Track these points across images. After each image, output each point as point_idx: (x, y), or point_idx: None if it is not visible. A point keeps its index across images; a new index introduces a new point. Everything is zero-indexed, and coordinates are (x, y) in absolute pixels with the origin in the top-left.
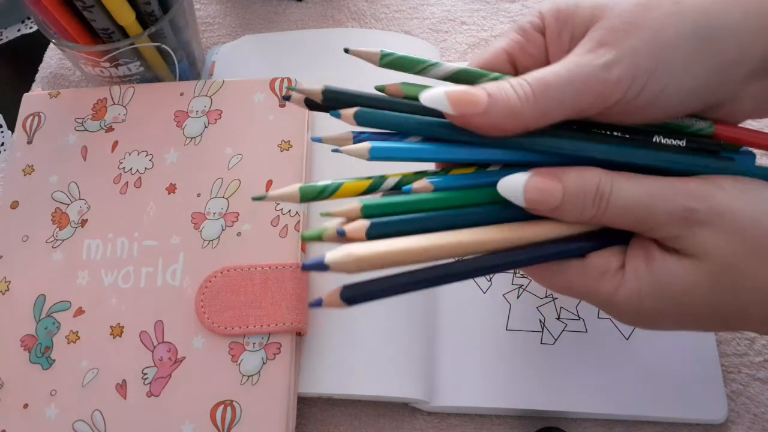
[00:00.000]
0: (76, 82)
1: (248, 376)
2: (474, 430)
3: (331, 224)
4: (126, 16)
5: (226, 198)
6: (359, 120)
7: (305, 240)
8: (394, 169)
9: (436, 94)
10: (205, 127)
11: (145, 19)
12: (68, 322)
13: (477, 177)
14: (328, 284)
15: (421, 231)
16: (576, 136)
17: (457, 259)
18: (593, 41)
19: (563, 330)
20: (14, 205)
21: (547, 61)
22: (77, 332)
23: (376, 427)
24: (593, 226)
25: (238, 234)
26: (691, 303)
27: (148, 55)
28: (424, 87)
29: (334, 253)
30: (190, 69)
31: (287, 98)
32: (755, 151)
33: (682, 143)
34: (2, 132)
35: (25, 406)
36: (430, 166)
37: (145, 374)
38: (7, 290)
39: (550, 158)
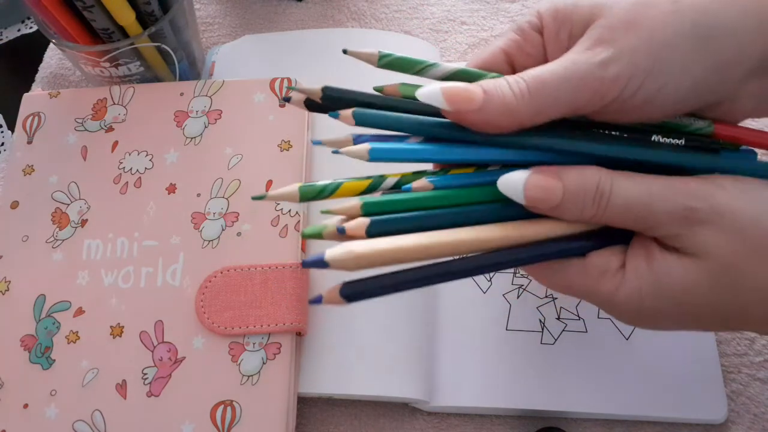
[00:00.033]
0: (76, 82)
1: (248, 376)
2: (474, 430)
3: (332, 222)
4: (126, 16)
5: (226, 198)
6: (357, 120)
7: (305, 237)
8: (393, 169)
9: (432, 90)
10: (205, 127)
11: (145, 19)
12: (68, 322)
13: (476, 176)
14: (328, 284)
15: (421, 229)
16: (574, 134)
17: (457, 257)
18: (591, 39)
19: (563, 330)
20: (14, 205)
21: (545, 61)
22: (77, 332)
23: (376, 427)
24: (594, 225)
25: (238, 234)
26: (691, 302)
27: (148, 55)
28: (422, 87)
29: (333, 251)
30: (190, 69)
31: (287, 99)
32: (755, 150)
33: (681, 142)
34: (2, 132)
35: (25, 406)
36: (429, 166)
37: (145, 374)
38: (7, 290)
39: (549, 157)
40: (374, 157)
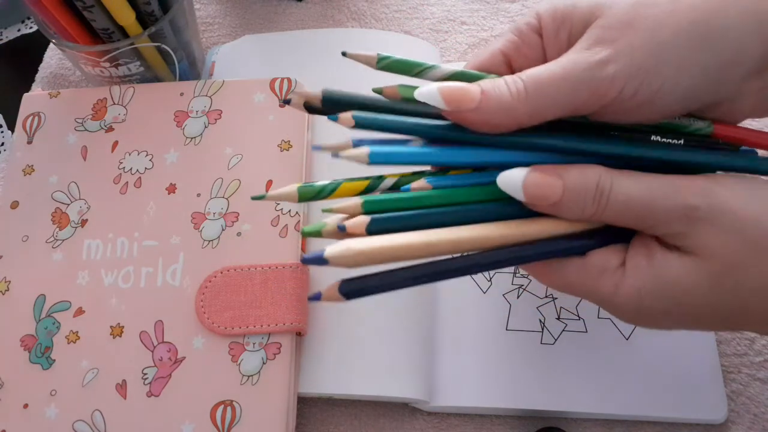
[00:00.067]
0: (76, 82)
1: (248, 376)
2: (474, 430)
3: (331, 220)
4: (126, 16)
5: (226, 198)
6: (357, 123)
7: (305, 235)
8: (392, 170)
9: (429, 90)
10: (205, 127)
11: (145, 19)
12: (68, 322)
13: (476, 177)
14: (328, 284)
15: (422, 227)
16: (574, 134)
17: (456, 255)
18: (590, 39)
19: (563, 330)
20: (14, 205)
21: (543, 62)
22: (77, 332)
23: (376, 427)
24: (594, 224)
25: (238, 234)
26: (691, 302)
27: (148, 55)
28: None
29: (333, 248)
30: (190, 69)
31: (287, 102)
32: (756, 150)
33: (680, 143)
34: (2, 132)
35: (25, 406)
36: (428, 167)
37: (145, 374)
38: (7, 290)
39: (549, 159)
40: (374, 160)
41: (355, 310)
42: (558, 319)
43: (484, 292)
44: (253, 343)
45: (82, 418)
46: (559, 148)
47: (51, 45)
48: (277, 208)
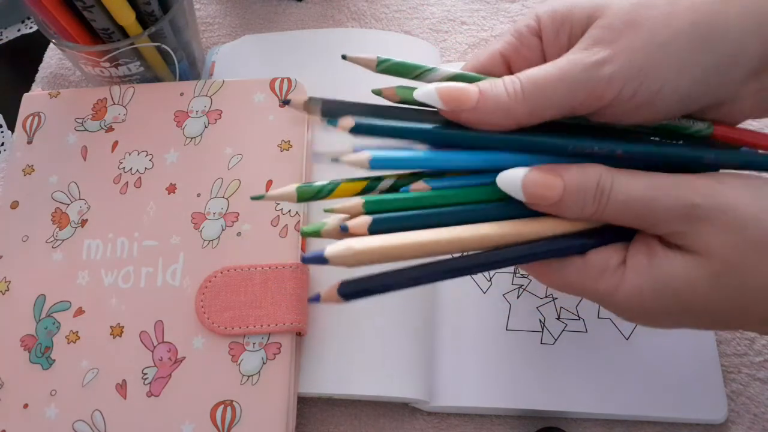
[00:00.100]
0: (76, 82)
1: (248, 376)
2: (474, 430)
3: (330, 220)
4: (126, 16)
5: (226, 198)
6: (356, 129)
7: (304, 235)
8: (390, 170)
9: (427, 90)
10: (205, 127)
11: (145, 19)
12: (68, 322)
13: (474, 178)
14: (328, 284)
15: (423, 228)
16: (576, 134)
17: (455, 255)
18: (589, 40)
19: (563, 330)
20: (14, 205)
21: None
22: (77, 332)
23: (376, 427)
24: (594, 224)
25: (238, 234)
26: (692, 301)
27: (148, 55)
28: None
29: (333, 247)
30: (190, 69)
31: (287, 102)
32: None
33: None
34: (2, 132)
35: (25, 406)
36: None
37: (145, 374)
38: (7, 290)
39: (549, 159)
40: (375, 166)
41: (356, 310)
42: (558, 319)
43: (484, 292)
44: (253, 343)
45: (82, 418)
46: (559, 147)
47: (51, 45)
48: (277, 208)
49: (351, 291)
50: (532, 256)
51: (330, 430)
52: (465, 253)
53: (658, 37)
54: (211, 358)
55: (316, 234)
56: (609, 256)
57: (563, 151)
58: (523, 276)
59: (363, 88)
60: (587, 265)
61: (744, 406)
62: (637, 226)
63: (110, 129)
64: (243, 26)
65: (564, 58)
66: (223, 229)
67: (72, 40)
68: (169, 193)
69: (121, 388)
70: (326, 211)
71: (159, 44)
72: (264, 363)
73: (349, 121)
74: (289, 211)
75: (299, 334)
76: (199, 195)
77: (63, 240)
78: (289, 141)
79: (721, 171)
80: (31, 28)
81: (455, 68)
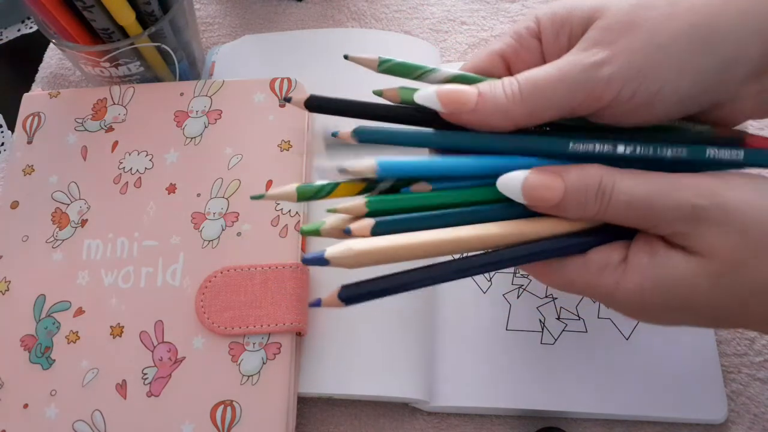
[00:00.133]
0: (76, 82)
1: (248, 376)
2: (474, 430)
3: (330, 219)
4: (126, 16)
5: (226, 198)
6: (360, 137)
7: (303, 234)
8: None
9: (427, 93)
10: (205, 127)
11: (145, 19)
12: (68, 322)
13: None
14: (328, 284)
15: (426, 230)
16: (579, 135)
17: (456, 256)
18: (588, 41)
19: (563, 330)
20: (14, 205)
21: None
22: (77, 332)
23: (376, 427)
24: (596, 224)
25: (238, 234)
26: (693, 299)
27: (148, 55)
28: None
29: (334, 248)
30: (190, 69)
31: (287, 100)
32: None
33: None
34: (2, 132)
35: (25, 406)
36: None
37: (145, 374)
38: (7, 290)
39: (552, 161)
40: (383, 174)
41: (356, 311)
42: (558, 319)
43: (484, 292)
44: (253, 343)
45: (82, 418)
46: (558, 148)
47: (51, 45)
48: (277, 208)
49: (351, 295)
50: (532, 256)
51: (330, 430)
52: (465, 255)
53: (657, 39)
54: (211, 358)
55: (316, 233)
56: (610, 253)
57: (563, 153)
58: (523, 276)
59: (363, 87)
60: (588, 262)
61: (744, 406)
62: (639, 226)
63: (110, 129)
64: (243, 26)
65: (563, 60)
66: (223, 229)
67: (72, 40)
68: (169, 193)
69: (121, 388)
70: (329, 211)
71: (159, 44)
72: (264, 363)
73: (349, 132)
74: (289, 211)
75: (299, 334)
76: (199, 195)
77: (63, 240)
78: (289, 141)
79: (725, 170)
80: (31, 28)
81: (456, 69)
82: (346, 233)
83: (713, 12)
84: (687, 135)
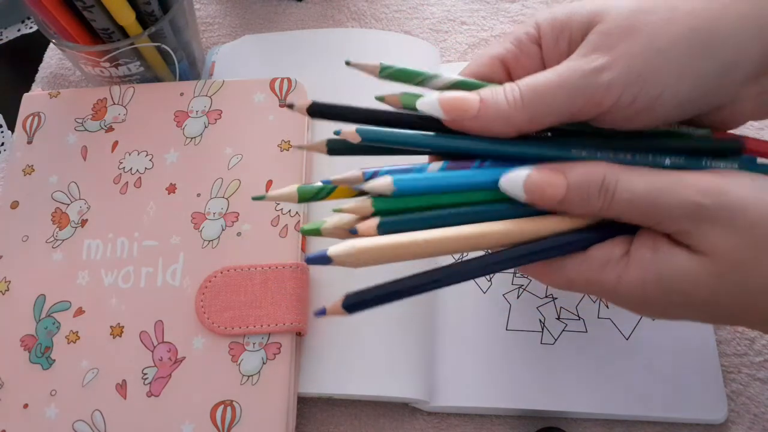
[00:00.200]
0: (76, 82)
1: (248, 376)
2: (474, 430)
3: (332, 219)
4: (126, 16)
5: (226, 198)
6: (362, 137)
7: (304, 234)
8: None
9: (430, 100)
10: (205, 127)
11: (145, 19)
12: (68, 322)
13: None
14: (328, 284)
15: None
16: (581, 139)
17: (456, 259)
18: (588, 46)
19: (563, 330)
20: (14, 205)
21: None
22: (77, 332)
23: (376, 427)
24: (597, 220)
25: (238, 234)
26: (695, 296)
27: (148, 55)
28: (422, 97)
29: (337, 247)
30: (190, 69)
31: (290, 106)
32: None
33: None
34: (2, 132)
35: (25, 406)
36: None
37: (145, 374)
38: (7, 290)
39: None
40: (399, 192)
41: None
42: (558, 319)
43: (484, 292)
44: (253, 343)
45: (82, 418)
46: (561, 153)
47: (51, 45)
48: (277, 208)
49: (355, 303)
50: (534, 255)
51: (330, 430)
52: (464, 256)
53: (657, 43)
54: (211, 358)
55: (316, 233)
56: (612, 248)
57: (566, 159)
58: (523, 276)
59: (363, 88)
60: (590, 258)
61: (744, 406)
62: (642, 223)
63: (110, 129)
64: (243, 26)
65: (563, 65)
66: (223, 229)
67: (72, 40)
68: (169, 193)
69: (121, 388)
70: (335, 210)
71: (159, 44)
72: (264, 363)
73: (354, 134)
74: (289, 211)
75: (299, 334)
76: (199, 195)
77: (63, 240)
78: (289, 141)
79: (729, 168)
80: (31, 28)
81: (456, 71)
82: (353, 233)
83: (713, 16)
84: (687, 140)
